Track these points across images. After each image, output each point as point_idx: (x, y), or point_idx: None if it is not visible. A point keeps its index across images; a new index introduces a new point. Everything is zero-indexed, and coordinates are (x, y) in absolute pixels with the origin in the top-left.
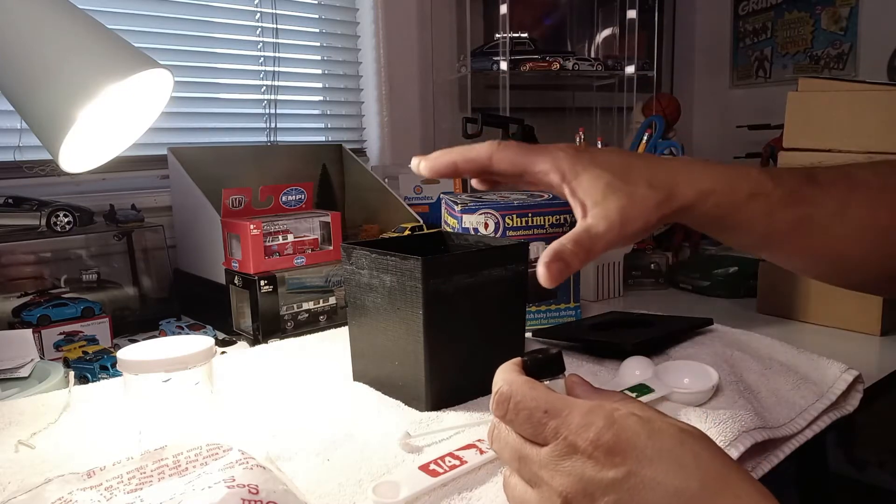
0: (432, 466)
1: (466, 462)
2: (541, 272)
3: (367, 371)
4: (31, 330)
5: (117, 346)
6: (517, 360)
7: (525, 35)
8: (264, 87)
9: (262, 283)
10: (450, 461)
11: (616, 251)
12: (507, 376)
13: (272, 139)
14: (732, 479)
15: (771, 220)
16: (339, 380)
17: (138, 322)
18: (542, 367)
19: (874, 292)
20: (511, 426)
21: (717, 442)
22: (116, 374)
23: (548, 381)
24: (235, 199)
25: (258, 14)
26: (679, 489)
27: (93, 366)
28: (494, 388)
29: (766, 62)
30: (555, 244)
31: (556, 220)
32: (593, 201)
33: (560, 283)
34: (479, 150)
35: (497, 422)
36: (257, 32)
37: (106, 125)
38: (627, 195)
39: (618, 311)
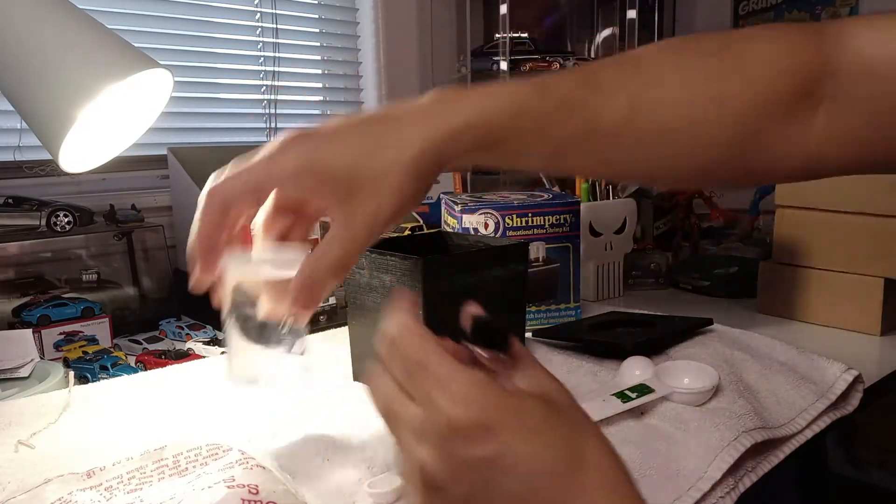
0: None
1: None
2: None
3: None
4: (31, 330)
5: (117, 346)
6: (414, 301)
7: (525, 35)
8: (264, 87)
9: None
10: None
11: (616, 251)
12: (400, 317)
13: (272, 139)
14: (588, 454)
15: (544, 137)
16: (339, 380)
17: (138, 322)
18: (485, 335)
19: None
20: (389, 368)
21: (717, 442)
22: (116, 374)
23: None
24: None
25: (258, 14)
26: (540, 468)
27: (93, 366)
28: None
29: None
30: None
31: (556, 220)
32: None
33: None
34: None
35: (380, 367)
36: (257, 32)
37: (106, 125)
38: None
39: (618, 311)
